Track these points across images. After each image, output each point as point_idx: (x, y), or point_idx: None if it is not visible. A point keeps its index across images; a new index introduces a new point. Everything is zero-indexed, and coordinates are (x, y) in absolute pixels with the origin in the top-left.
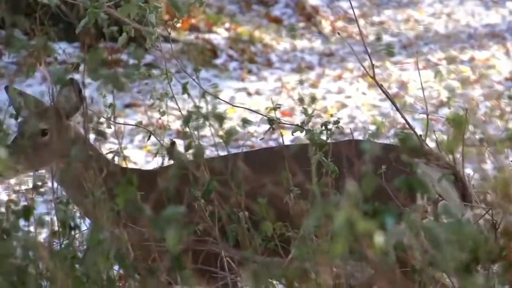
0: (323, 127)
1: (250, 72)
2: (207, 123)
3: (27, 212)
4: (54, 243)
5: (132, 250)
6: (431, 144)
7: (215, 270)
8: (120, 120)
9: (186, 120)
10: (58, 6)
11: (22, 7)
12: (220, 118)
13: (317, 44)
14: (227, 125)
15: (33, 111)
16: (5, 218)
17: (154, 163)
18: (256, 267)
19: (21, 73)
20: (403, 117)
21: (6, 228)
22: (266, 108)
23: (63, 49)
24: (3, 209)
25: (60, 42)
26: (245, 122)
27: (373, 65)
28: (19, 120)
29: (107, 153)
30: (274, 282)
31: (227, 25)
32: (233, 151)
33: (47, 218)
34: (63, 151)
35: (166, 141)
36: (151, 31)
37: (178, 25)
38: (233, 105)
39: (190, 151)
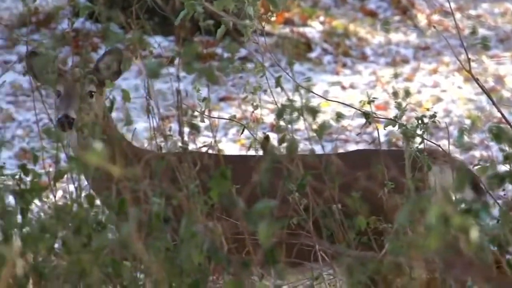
0: (419, 121)
1: (344, 65)
2: (300, 117)
3: (121, 205)
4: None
5: (226, 243)
6: None
7: (309, 264)
8: (215, 113)
9: (280, 113)
10: (153, 0)
11: (118, 1)
12: (313, 112)
13: (413, 37)
14: (320, 118)
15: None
16: (100, 211)
17: None
18: (350, 261)
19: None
20: (499, 111)
21: (101, 220)
22: (360, 102)
23: (159, 43)
24: (98, 202)
25: (156, 36)
26: (339, 116)
27: (469, 59)
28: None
29: (201, 147)
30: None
31: (321, 18)
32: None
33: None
34: (99, 117)
35: (260, 134)
36: (248, 24)
37: (273, 18)
38: (327, 99)
39: (284, 144)
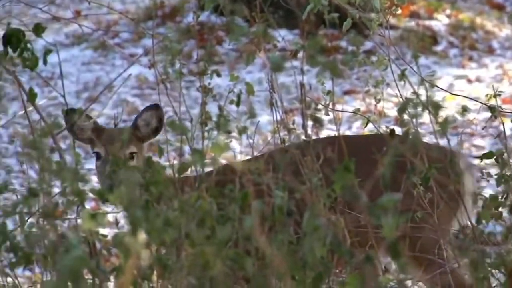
0: None
1: (470, 59)
2: (425, 110)
3: (244, 198)
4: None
5: (349, 237)
6: None
7: (433, 258)
8: (339, 107)
9: (402, 107)
10: None
11: None
12: (437, 107)
13: None
14: (445, 112)
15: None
16: (226, 203)
17: None
18: (475, 255)
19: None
20: None
21: (225, 214)
22: (486, 96)
23: (283, 36)
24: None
25: (280, 29)
26: (464, 109)
27: None
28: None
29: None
30: (493, 271)
31: (448, 11)
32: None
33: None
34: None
35: (384, 128)
36: (373, 17)
37: (398, 12)
38: (451, 93)
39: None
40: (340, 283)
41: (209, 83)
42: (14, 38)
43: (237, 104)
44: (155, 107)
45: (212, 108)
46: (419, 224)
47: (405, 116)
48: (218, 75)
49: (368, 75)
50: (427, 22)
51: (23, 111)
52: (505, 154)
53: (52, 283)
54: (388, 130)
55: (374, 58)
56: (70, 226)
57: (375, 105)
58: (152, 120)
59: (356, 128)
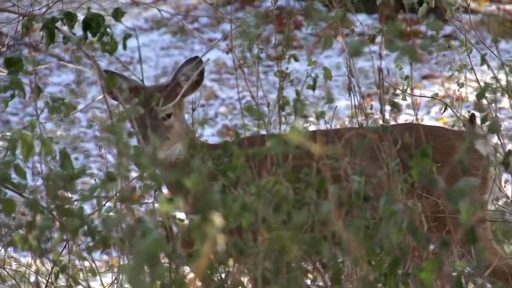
0: None
1: None
2: (504, 95)
3: (321, 183)
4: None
5: (426, 222)
6: None
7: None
8: (417, 91)
9: (481, 92)
10: None
11: None
12: None
13: None
14: None
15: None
16: (303, 187)
17: None
18: None
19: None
20: None
21: (302, 199)
22: None
23: (361, 21)
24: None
25: (358, 13)
26: None
27: None
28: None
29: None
30: None
31: None
32: None
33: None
34: (182, 131)
35: (463, 113)
36: (452, 1)
37: None
38: None
39: (486, 123)
40: (417, 269)
41: (287, 68)
42: (93, 23)
43: (314, 89)
44: (196, 59)
45: (290, 93)
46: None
47: (484, 101)
48: (296, 60)
49: (450, 60)
50: (508, 7)
51: (102, 96)
52: None
53: (129, 267)
54: (468, 115)
55: (454, 43)
56: (147, 210)
57: (455, 90)
58: (192, 73)
59: (434, 113)
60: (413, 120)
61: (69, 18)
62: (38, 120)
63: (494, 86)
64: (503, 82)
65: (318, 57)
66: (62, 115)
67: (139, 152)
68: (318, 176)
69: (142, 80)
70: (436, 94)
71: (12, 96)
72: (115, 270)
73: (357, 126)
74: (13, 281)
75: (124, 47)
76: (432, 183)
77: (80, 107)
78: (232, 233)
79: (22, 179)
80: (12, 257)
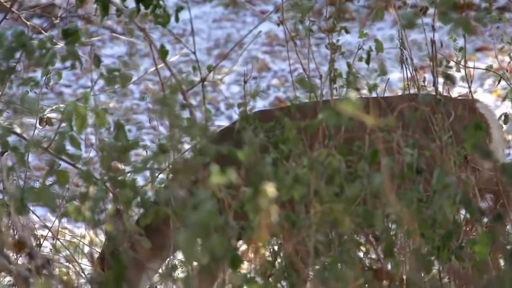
0: None
1: None
2: None
3: (374, 156)
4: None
5: (479, 195)
6: None
7: None
8: (471, 64)
9: None
10: None
11: None
12: None
13: None
14: None
15: None
16: (356, 160)
17: (503, 108)
18: None
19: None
20: None
21: (354, 171)
22: None
23: None
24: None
25: None
26: None
27: None
28: None
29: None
30: None
31: None
32: None
33: None
34: None
35: None
36: None
37: None
38: None
39: None
40: (470, 242)
41: (338, 40)
42: None
43: (367, 62)
44: None
45: (341, 66)
46: None
47: None
48: (347, 32)
49: (503, 32)
50: None
51: (154, 68)
52: None
53: (182, 239)
54: None
55: (508, 15)
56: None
57: (509, 62)
58: None
59: (488, 86)
60: (467, 93)
61: None
62: (92, 91)
63: None
64: None
65: (371, 29)
66: (118, 87)
67: (191, 124)
68: (370, 148)
69: (194, 53)
70: (490, 66)
71: (72, 67)
72: None
73: (408, 96)
74: (67, 252)
75: (177, 19)
76: (485, 155)
77: (133, 79)
78: (284, 205)
79: (77, 150)
80: (66, 228)
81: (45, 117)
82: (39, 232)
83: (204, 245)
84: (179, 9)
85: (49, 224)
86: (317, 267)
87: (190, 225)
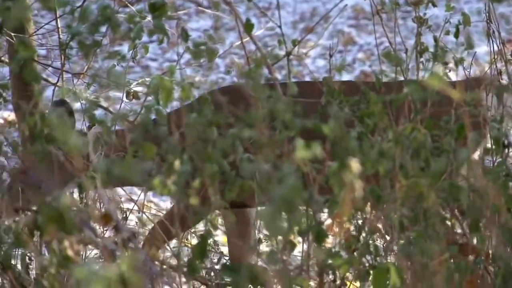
0: None
1: None
2: None
3: (460, 130)
4: (487, 160)
5: None
6: None
7: None
8: None
9: None
10: None
11: None
12: None
13: None
14: None
15: None
16: (442, 134)
17: None
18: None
19: None
20: None
21: (440, 145)
22: None
23: None
24: None
25: None
26: None
27: None
28: None
29: None
30: None
31: None
32: None
33: None
34: None
35: None
36: None
37: None
38: None
39: None
40: None
41: (425, 14)
42: None
43: (455, 35)
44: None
45: (428, 39)
46: None
47: None
48: (434, 5)
49: None
50: None
51: (240, 42)
52: None
53: (266, 213)
54: None
55: None
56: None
57: None
58: None
59: None
60: None
61: None
62: (177, 65)
63: None
64: None
65: (458, 2)
66: (203, 60)
67: (276, 98)
68: (456, 123)
69: (280, 26)
70: None
71: (160, 41)
72: None
73: (496, 72)
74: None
75: None
76: None
77: (218, 53)
78: (369, 180)
79: (163, 123)
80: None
81: (132, 91)
82: (125, 206)
83: (288, 220)
84: None
85: (135, 198)
86: (402, 241)
87: (274, 200)
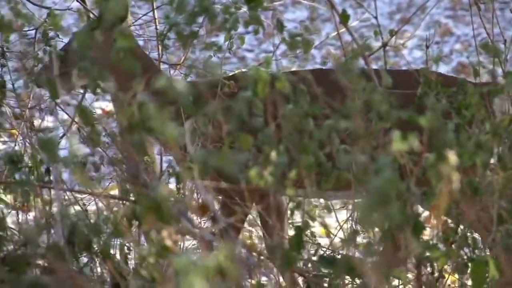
0: None
1: None
2: None
3: None
4: None
5: None
6: None
7: None
8: None
9: None
10: None
11: None
12: None
13: None
14: None
15: None
16: None
17: None
18: None
19: None
20: None
21: None
22: None
23: None
24: None
25: None
26: None
27: None
28: None
29: None
30: None
31: None
32: None
33: None
34: None
35: None
36: None
37: None
38: None
39: None
40: None
41: None
42: None
43: None
44: None
45: None
46: None
47: None
48: None
49: None
50: None
51: (336, 33)
52: None
53: (363, 205)
54: None
55: None
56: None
57: None
58: None
59: None
60: None
61: None
62: (273, 56)
63: None
64: None
65: None
66: (299, 51)
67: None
68: None
69: (376, 17)
70: None
71: (256, 32)
72: (350, 207)
73: None
74: (250, 216)
75: None
76: None
77: (314, 44)
78: (467, 172)
79: (259, 114)
80: None
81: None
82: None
83: (384, 212)
84: None
85: None
86: (500, 234)
87: (371, 191)
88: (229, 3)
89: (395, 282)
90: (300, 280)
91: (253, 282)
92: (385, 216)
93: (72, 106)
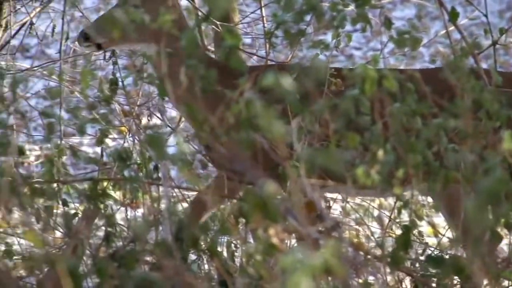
0: None
1: None
2: None
3: None
4: None
5: None
6: None
7: None
8: None
9: None
10: None
11: None
12: None
13: None
14: None
15: None
16: None
17: None
18: None
19: None
20: None
21: None
22: None
23: None
24: None
25: None
26: None
27: None
28: None
29: None
30: None
31: None
32: None
33: None
34: None
35: None
36: None
37: None
38: None
39: None
40: None
41: None
42: None
43: None
44: None
45: None
46: None
47: None
48: None
49: None
50: None
51: (445, 31)
52: None
53: (471, 205)
54: None
55: None
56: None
57: None
58: None
59: None
60: None
61: None
62: (381, 54)
63: None
64: None
65: None
66: (407, 49)
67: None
68: None
69: (486, 15)
70: None
71: (363, 29)
72: None
73: None
74: (357, 215)
75: None
76: None
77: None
78: None
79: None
80: None
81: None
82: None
83: (493, 212)
84: None
85: None
86: None
87: (480, 191)
88: (337, 1)
89: (505, 283)
90: (407, 279)
91: (360, 281)
92: (494, 216)
93: None
